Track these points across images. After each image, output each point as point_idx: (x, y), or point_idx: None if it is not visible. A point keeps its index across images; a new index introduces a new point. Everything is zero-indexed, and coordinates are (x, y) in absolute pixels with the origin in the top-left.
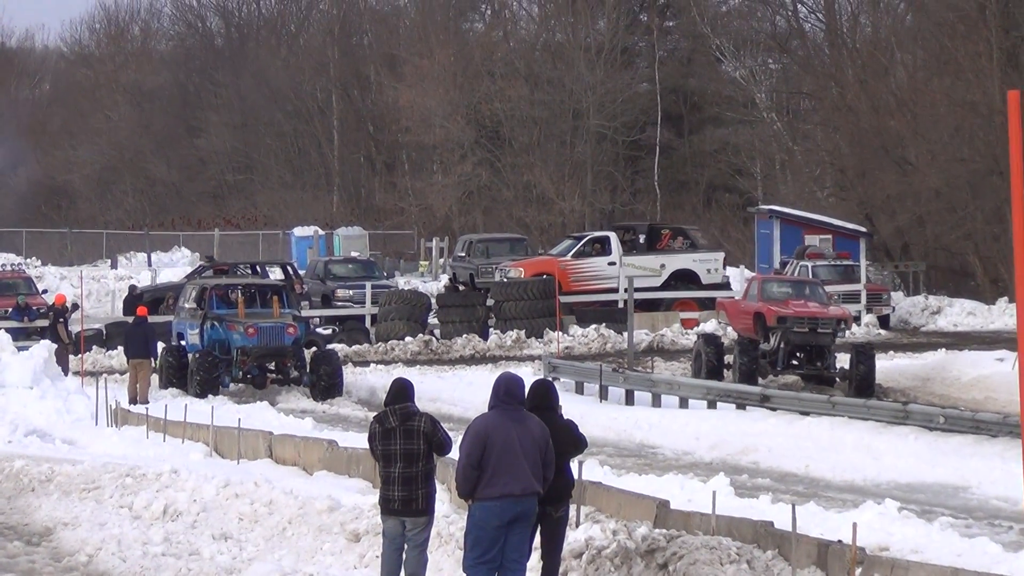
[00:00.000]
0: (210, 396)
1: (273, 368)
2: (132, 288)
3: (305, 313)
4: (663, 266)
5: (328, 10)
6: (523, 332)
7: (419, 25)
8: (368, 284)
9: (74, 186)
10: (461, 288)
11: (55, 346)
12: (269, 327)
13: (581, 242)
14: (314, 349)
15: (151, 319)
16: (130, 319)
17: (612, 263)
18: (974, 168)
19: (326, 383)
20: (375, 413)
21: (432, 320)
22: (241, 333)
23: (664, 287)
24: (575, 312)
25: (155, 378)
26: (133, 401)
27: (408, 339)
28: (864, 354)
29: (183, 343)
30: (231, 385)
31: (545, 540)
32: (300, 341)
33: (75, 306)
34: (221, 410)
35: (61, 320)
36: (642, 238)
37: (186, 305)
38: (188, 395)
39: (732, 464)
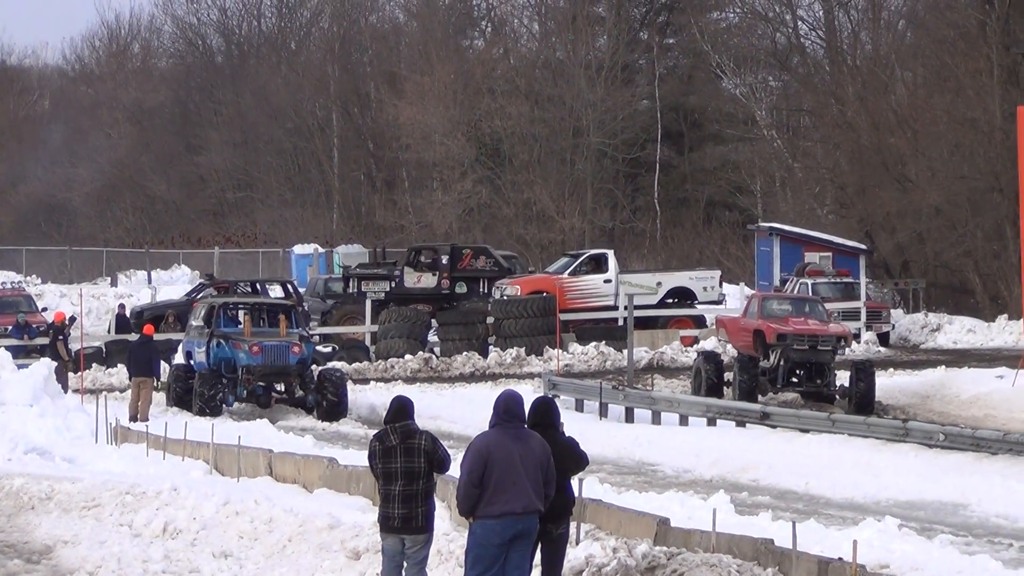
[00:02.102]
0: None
1: (282, 388)
2: (121, 307)
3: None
4: (659, 284)
5: (328, 28)
6: (523, 350)
7: (419, 42)
8: (368, 301)
9: (74, 204)
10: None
11: (55, 364)
12: (274, 346)
13: (578, 260)
14: (316, 368)
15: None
16: (122, 337)
17: (608, 280)
18: (974, 185)
19: (331, 403)
20: (375, 431)
21: (432, 338)
22: (246, 351)
23: (660, 305)
24: (575, 330)
25: (162, 397)
26: (134, 419)
27: (408, 357)
28: (864, 371)
29: (192, 362)
30: (235, 404)
31: (545, 558)
32: (306, 361)
33: (72, 319)
34: (221, 428)
35: (60, 338)
36: (445, 259)
37: (194, 323)
38: (192, 414)
39: (732, 481)
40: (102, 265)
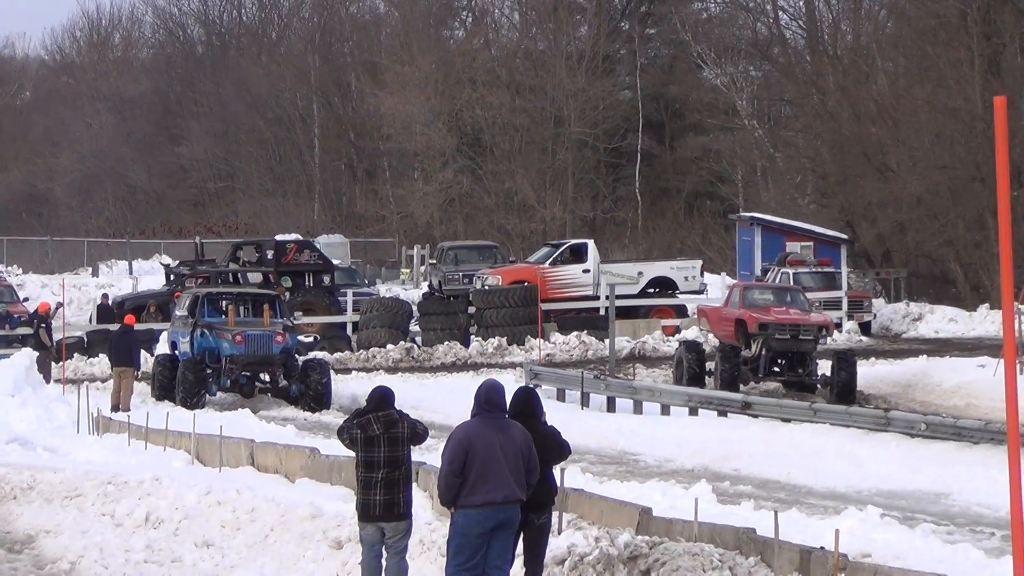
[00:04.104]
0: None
1: (267, 379)
2: (104, 297)
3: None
4: (640, 274)
5: (309, 18)
6: (504, 339)
7: (400, 32)
8: (349, 292)
9: (55, 194)
10: (436, 295)
11: (37, 354)
12: (257, 335)
13: (559, 250)
14: (300, 358)
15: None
16: (105, 327)
17: (587, 270)
18: (955, 175)
19: (316, 393)
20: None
21: (413, 327)
22: (230, 341)
23: (641, 295)
24: (556, 320)
25: (147, 388)
26: (115, 409)
27: (389, 347)
28: (846, 361)
29: (176, 352)
30: (219, 393)
31: (527, 547)
32: (290, 350)
33: (60, 305)
34: (203, 418)
35: (44, 326)
36: (270, 253)
37: (178, 313)
38: (176, 403)
39: (714, 471)
40: (83, 255)
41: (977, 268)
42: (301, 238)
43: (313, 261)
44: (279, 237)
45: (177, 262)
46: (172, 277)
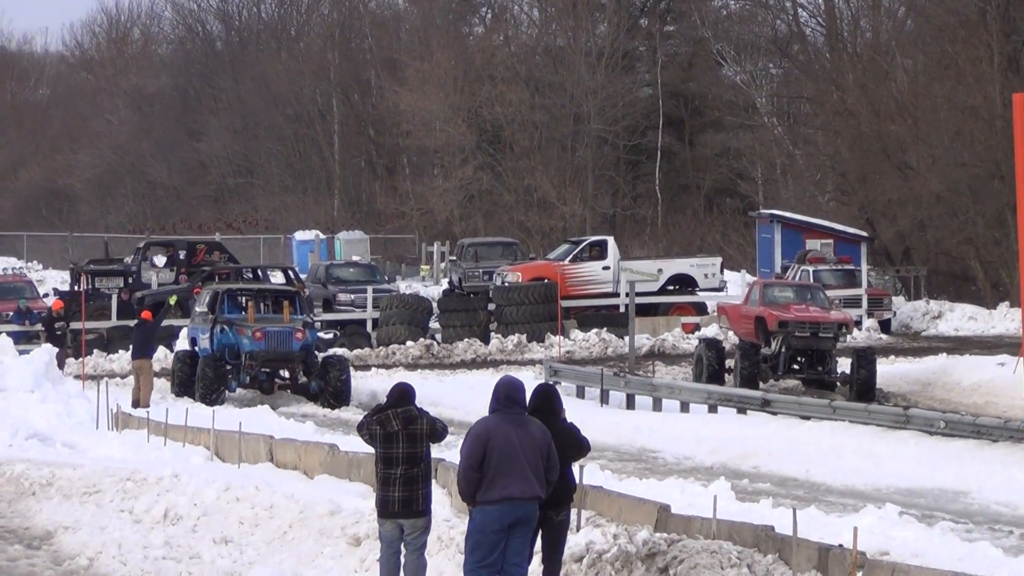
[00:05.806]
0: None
1: (287, 375)
2: (120, 291)
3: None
4: (660, 271)
5: (328, 14)
6: (524, 336)
7: (419, 29)
8: (369, 288)
9: (75, 190)
10: (455, 292)
11: (56, 349)
12: (276, 332)
13: (579, 247)
14: (320, 355)
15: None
16: (124, 323)
17: (607, 267)
18: (975, 172)
19: (335, 390)
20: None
21: (433, 324)
22: (249, 337)
23: (661, 292)
24: (576, 317)
25: (167, 384)
26: (136, 404)
27: (409, 343)
28: (865, 358)
29: (196, 348)
30: (238, 390)
31: (546, 544)
32: (310, 347)
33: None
34: (222, 414)
35: (61, 322)
36: (182, 254)
37: (199, 310)
38: (195, 400)
39: (733, 468)
40: (103, 251)
41: (997, 266)
42: (214, 239)
43: (223, 262)
44: (298, 235)
45: (87, 260)
46: (79, 276)
